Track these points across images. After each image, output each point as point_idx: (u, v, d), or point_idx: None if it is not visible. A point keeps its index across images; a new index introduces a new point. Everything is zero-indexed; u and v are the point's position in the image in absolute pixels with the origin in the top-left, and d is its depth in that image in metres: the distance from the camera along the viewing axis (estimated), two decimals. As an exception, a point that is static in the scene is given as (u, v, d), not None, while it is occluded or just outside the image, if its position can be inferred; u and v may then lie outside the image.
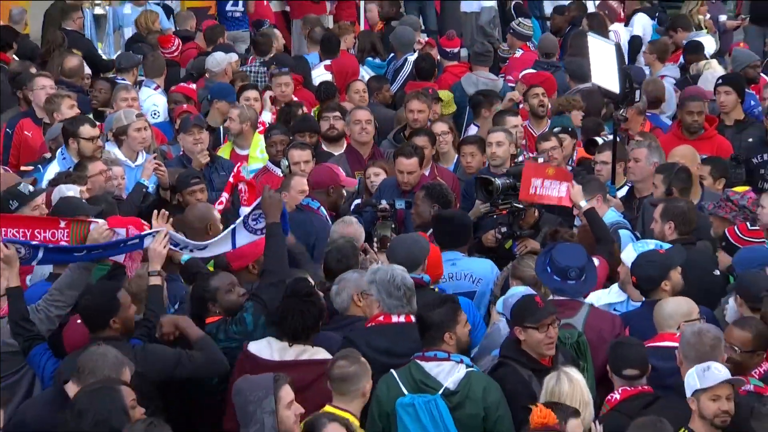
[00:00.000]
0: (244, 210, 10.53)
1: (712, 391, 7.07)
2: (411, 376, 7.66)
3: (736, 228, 9.42)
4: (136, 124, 11.52)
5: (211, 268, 9.09)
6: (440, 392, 7.55)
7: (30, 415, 7.13)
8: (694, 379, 7.16)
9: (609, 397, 7.66)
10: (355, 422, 7.21)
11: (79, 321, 7.86)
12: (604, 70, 11.77)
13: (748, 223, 9.52)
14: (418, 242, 9.01)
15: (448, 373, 7.63)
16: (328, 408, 7.23)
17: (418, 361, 7.71)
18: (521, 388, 7.69)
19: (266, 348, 7.80)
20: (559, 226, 9.87)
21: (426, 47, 16.16)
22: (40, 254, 8.09)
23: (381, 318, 8.19)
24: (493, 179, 9.85)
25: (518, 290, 8.26)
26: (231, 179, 10.94)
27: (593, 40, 12.58)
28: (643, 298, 8.69)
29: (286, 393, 6.87)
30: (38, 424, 7.05)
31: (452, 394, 7.55)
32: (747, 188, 10.47)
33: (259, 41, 16.09)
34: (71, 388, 7.11)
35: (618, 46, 12.32)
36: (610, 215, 9.83)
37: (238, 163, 11.50)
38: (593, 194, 9.83)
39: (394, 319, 8.14)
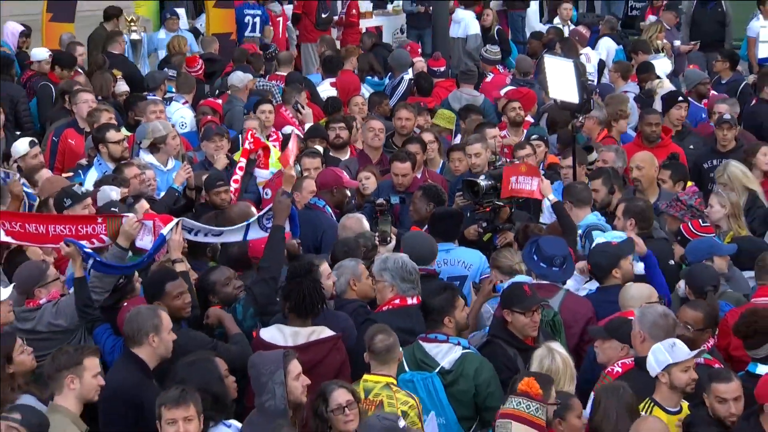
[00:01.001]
0: (260, 173, 10.92)
1: (683, 364, 6.98)
2: (413, 355, 7.66)
3: (690, 224, 9.34)
4: (172, 133, 11.68)
5: (214, 263, 9.02)
6: (436, 371, 7.54)
7: (118, 380, 7.10)
8: (664, 354, 7.04)
9: (610, 369, 7.48)
10: (394, 382, 7.23)
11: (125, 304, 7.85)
12: (562, 84, 11.67)
13: (700, 221, 9.43)
14: (428, 240, 9.01)
15: (446, 353, 7.58)
16: (367, 377, 7.26)
17: (421, 342, 7.70)
18: (508, 364, 7.65)
19: (278, 334, 7.68)
20: (528, 221, 9.91)
21: (418, 65, 16.10)
22: (90, 263, 7.95)
23: (397, 301, 8.20)
24: (478, 181, 9.83)
25: (522, 278, 8.31)
26: (248, 146, 10.91)
27: (549, 60, 12.54)
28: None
29: (294, 367, 6.84)
30: (127, 385, 7.08)
31: (447, 372, 7.53)
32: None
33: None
34: (138, 351, 7.22)
35: (576, 63, 12.25)
36: (591, 218, 9.68)
37: (250, 131, 11.51)
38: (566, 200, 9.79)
39: (409, 301, 8.14)
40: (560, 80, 11.75)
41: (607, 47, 17.61)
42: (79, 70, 15.01)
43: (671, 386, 7.01)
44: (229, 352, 7.64)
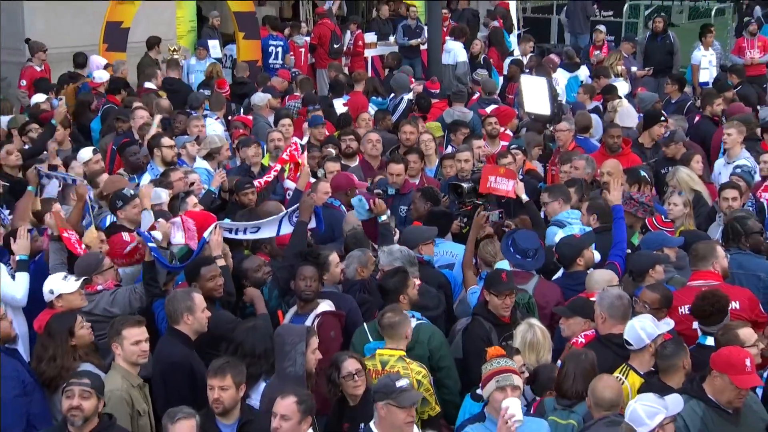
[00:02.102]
0: (288, 184, 10.87)
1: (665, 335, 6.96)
2: (376, 328, 7.56)
3: (654, 219, 9.34)
4: (225, 146, 11.85)
5: (247, 252, 9.01)
6: None
7: (166, 352, 7.17)
8: (651, 327, 7.01)
9: (574, 340, 7.46)
10: (405, 354, 7.25)
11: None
12: (535, 99, 11.94)
13: (663, 216, 9.43)
14: (426, 232, 9.05)
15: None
16: (381, 351, 7.27)
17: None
18: (484, 336, 7.59)
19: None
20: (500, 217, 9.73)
21: (417, 88, 16.03)
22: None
23: None
24: (462, 185, 9.87)
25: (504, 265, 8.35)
26: (285, 156, 10.82)
27: (525, 78, 12.86)
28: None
29: (314, 341, 6.87)
30: (176, 355, 7.14)
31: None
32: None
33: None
34: (178, 327, 7.29)
35: (549, 80, 12.28)
36: (564, 214, 9.60)
37: (293, 144, 11.52)
38: (557, 197, 9.74)
39: (416, 282, 8.06)
40: (534, 96, 11.87)
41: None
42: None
43: (652, 353, 6.93)
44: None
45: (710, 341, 7.19)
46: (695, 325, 7.65)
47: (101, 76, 15.30)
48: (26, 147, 11.92)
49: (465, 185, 9.92)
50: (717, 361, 6.42)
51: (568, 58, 18.32)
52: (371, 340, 7.52)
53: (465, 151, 11.33)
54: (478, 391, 6.58)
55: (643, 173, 10.42)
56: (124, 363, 6.93)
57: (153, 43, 17.13)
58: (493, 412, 6.28)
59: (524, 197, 9.56)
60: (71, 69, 16.19)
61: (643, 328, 6.94)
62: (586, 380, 6.57)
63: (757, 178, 11.01)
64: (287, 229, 8.78)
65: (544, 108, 11.81)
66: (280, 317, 7.99)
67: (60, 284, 7.50)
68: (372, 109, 14.92)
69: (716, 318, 7.33)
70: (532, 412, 6.75)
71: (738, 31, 20.62)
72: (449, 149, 12.83)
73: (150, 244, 8.08)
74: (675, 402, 6.04)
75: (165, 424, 6.05)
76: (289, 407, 5.98)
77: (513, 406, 6.02)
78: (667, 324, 7.05)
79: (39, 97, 13.68)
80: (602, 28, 20.44)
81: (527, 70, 16.80)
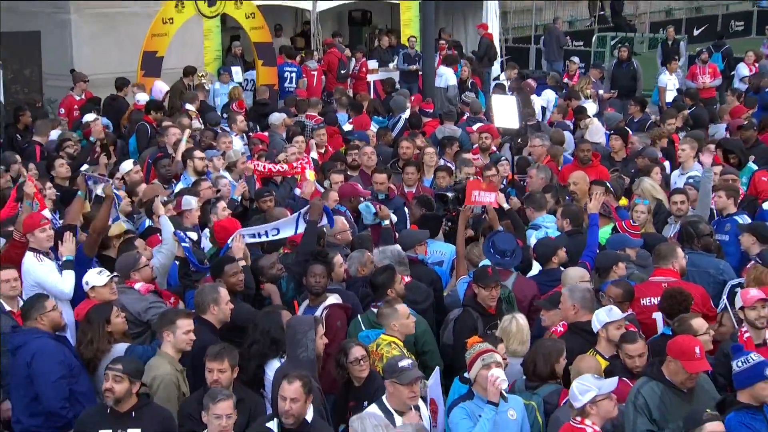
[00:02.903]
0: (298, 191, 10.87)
1: (617, 323, 7.01)
2: (368, 318, 7.66)
3: (623, 224, 9.34)
4: (241, 159, 11.76)
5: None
6: (383, 328, 7.45)
7: (199, 340, 7.07)
8: (603, 316, 7.05)
9: (554, 329, 7.49)
10: (400, 343, 7.20)
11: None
12: (505, 115, 11.78)
13: (631, 221, 9.45)
14: (420, 234, 9.06)
15: None
16: (383, 336, 7.25)
17: (373, 308, 7.71)
18: (471, 325, 7.59)
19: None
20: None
21: (414, 107, 16.07)
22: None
23: None
24: (447, 194, 10.09)
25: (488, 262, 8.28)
26: (297, 165, 10.79)
27: (496, 97, 12.75)
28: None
29: (320, 329, 6.87)
30: (203, 341, 7.00)
31: None
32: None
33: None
34: (205, 316, 7.31)
35: (517, 98, 12.24)
36: (540, 219, 9.66)
37: (306, 158, 11.57)
38: (528, 206, 9.85)
39: (406, 278, 8.12)
40: (504, 112, 11.87)
41: (548, 96, 17.54)
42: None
43: (608, 339, 6.99)
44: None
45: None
46: (654, 314, 7.69)
47: (142, 98, 15.30)
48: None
49: (450, 194, 10.12)
50: (672, 348, 6.44)
51: (555, 82, 18.44)
52: (363, 329, 7.58)
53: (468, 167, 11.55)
54: (466, 374, 6.59)
55: (607, 184, 10.47)
56: (172, 350, 6.91)
57: (189, 72, 17.12)
58: (479, 390, 6.30)
59: (506, 206, 9.53)
60: (113, 92, 16.22)
61: (596, 317, 7.03)
62: (548, 365, 6.63)
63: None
64: (302, 228, 8.74)
65: (512, 123, 11.83)
66: (296, 307, 8.01)
67: (94, 278, 7.58)
68: (374, 127, 14.91)
69: (681, 313, 7.33)
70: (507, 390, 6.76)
71: (691, 60, 20.71)
72: (441, 162, 12.86)
73: (184, 245, 8.16)
74: (609, 383, 6.09)
75: (206, 403, 6.00)
76: (297, 390, 6.03)
77: (499, 372, 6.09)
78: (618, 314, 7.07)
79: (89, 117, 13.62)
80: (576, 59, 20.48)
81: (510, 92, 16.81)
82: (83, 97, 15.97)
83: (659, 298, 7.63)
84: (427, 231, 9.13)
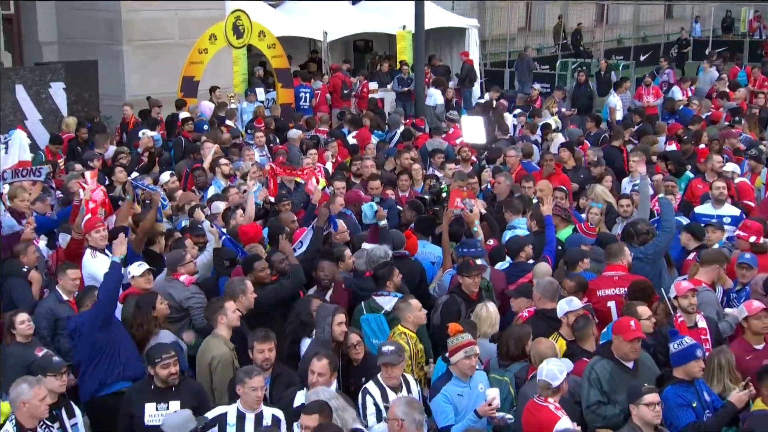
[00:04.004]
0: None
1: (575, 312, 7.02)
2: (369, 305, 7.65)
3: (583, 225, 9.33)
4: (252, 170, 11.24)
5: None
6: (381, 312, 7.56)
7: None
8: (565, 305, 7.06)
9: (521, 314, 7.51)
10: (411, 334, 7.13)
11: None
12: (473, 132, 11.90)
13: (589, 223, 9.43)
14: (402, 235, 8.98)
15: (387, 302, 7.60)
16: (399, 326, 7.19)
17: (374, 296, 7.71)
18: (456, 309, 7.61)
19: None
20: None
21: (409, 124, 15.97)
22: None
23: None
24: (425, 197, 10.37)
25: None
26: (305, 177, 10.64)
27: (465, 117, 12.92)
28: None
29: (339, 317, 6.81)
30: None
31: (388, 314, 7.54)
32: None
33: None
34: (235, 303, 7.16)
35: (485, 119, 12.30)
36: (515, 221, 9.67)
37: (318, 167, 11.43)
38: (505, 211, 9.82)
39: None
40: (472, 129, 11.89)
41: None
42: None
43: (569, 325, 7.00)
44: (284, 286, 7.74)
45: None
46: (609, 303, 7.69)
47: (183, 115, 15.21)
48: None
49: (427, 197, 10.33)
50: (614, 327, 6.54)
51: (523, 102, 18.31)
52: (365, 313, 7.61)
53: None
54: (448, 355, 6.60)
55: (565, 189, 10.48)
56: (225, 330, 6.91)
57: (212, 89, 17.13)
58: (456, 372, 6.32)
59: (483, 211, 9.49)
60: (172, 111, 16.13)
61: (559, 306, 7.09)
62: (518, 347, 6.66)
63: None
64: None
65: (480, 138, 11.88)
66: (301, 293, 7.98)
67: (134, 269, 7.67)
68: (374, 140, 14.81)
69: (647, 300, 7.34)
70: (482, 367, 6.77)
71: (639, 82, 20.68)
72: (430, 170, 12.83)
73: (224, 238, 8.33)
74: (569, 362, 6.14)
75: (242, 378, 5.95)
76: (323, 367, 6.06)
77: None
78: (578, 304, 7.09)
79: (147, 132, 13.49)
80: (537, 86, 20.36)
81: (489, 111, 16.74)
82: (160, 116, 15.76)
83: (626, 289, 7.63)
84: (404, 237, 8.95)
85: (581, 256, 8.20)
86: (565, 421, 5.71)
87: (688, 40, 29.79)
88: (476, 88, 22.02)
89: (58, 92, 14.95)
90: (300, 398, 6.02)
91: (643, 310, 6.99)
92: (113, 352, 6.85)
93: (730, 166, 11.28)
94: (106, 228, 8.56)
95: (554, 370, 5.94)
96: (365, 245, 8.65)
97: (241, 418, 5.87)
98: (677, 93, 19.19)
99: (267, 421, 5.89)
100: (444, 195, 10.44)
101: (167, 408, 6.13)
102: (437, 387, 6.41)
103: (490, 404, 5.88)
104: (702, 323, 7.15)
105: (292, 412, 5.95)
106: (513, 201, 10.06)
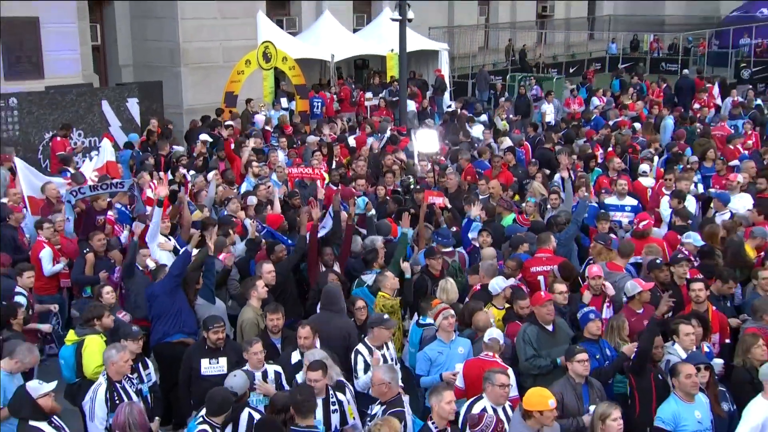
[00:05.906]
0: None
1: (506, 288, 7.00)
2: (358, 282, 7.52)
3: (520, 217, 9.27)
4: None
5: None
6: (365, 285, 7.40)
7: None
8: (499, 283, 6.97)
9: (474, 287, 7.32)
10: (387, 295, 6.92)
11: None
12: (425, 144, 11.18)
13: (524, 215, 9.31)
14: (388, 224, 8.85)
15: (369, 278, 7.47)
16: (380, 293, 6.97)
17: (362, 276, 7.57)
18: (423, 285, 7.44)
19: None
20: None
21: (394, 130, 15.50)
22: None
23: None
24: (398, 189, 10.12)
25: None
26: (314, 177, 10.26)
27: (419, 131, 11.98)
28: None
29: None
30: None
31: (370, 286, 7.37)
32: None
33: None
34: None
35: (438, 130, 11.84)
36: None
37: (325, 169, 11.12)
38: (467, 204, 9.41)
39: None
40: (425, 140, 11.40)
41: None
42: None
43: (503, 297, 6.96)
44: (293, 255, 7.57)
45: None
46: (539, 278, 7.62)
47: (233, 123, 14.78)
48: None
49: (399, 189, 10.01)
50: (531, 301, 6.57)
51: (481, 109, 18.05)
52: (355, 288, 7.48)
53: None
54: (422, 320, 6.58)
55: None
56: (256, 302, 6.79)
57: (248, 101, 16.72)
58: (441, 334, 6.20)
59: (449, 205, 9.33)
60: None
61: (497, 283, 7.02)
62: (470, 317, 6.62)
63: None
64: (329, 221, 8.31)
65: (433, 148, 11.44)
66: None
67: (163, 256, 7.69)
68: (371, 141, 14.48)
69: (573, 277, 7.34)
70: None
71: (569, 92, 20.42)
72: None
73: (266, 229, 8.15)
74: (500, 332, 6.17)
75: (245, 347, 5.84)
76: (307, 332, 6.00)
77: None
78: (505, 282, 7.01)
79: (204, 137, 13.09)
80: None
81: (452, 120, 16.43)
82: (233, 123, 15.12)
83: (553, 266, 7.58)
84: (390, 225, 8.82)
85: (522, 241, 8.17)
86: (510, 371, 5.75)
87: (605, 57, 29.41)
88: (446, 96, 21.74)
89: (133, 106, 14.78)
90: (295, 357, 5.93)
91: (559, 287, 7.02)
92: (176, 312, 6.88)
93: (644, 167, 11.09)
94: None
95: (494, 333, 6.04)
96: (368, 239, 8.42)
97: (250, 375, 5.81)
98: (596, 100, 19.01)
99: (270, 376, 5.83)
100: (412, 188, 10.21)
101: (218, 363, 6.09)
102: (424, 345, 6.30)
103: (454, 375, 5.92)
104: (610, 292, 7.09)
105: (290, 368, 5.89)
106: (471, 196, 9.86)
